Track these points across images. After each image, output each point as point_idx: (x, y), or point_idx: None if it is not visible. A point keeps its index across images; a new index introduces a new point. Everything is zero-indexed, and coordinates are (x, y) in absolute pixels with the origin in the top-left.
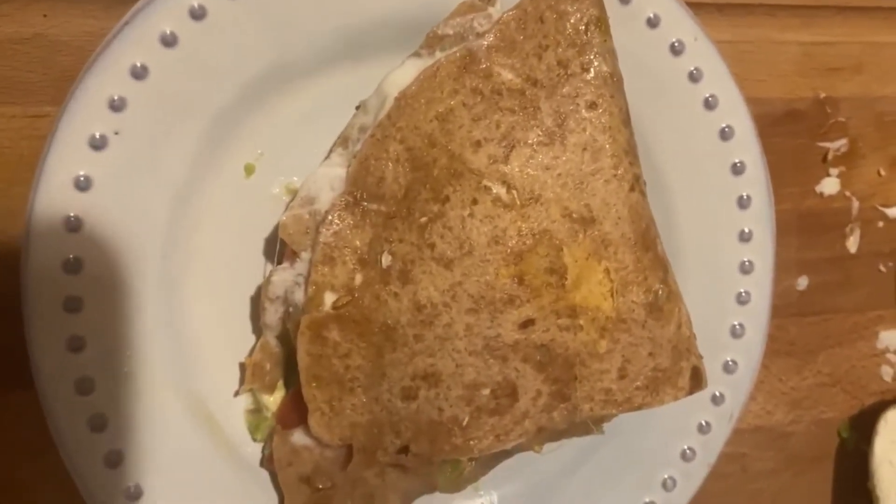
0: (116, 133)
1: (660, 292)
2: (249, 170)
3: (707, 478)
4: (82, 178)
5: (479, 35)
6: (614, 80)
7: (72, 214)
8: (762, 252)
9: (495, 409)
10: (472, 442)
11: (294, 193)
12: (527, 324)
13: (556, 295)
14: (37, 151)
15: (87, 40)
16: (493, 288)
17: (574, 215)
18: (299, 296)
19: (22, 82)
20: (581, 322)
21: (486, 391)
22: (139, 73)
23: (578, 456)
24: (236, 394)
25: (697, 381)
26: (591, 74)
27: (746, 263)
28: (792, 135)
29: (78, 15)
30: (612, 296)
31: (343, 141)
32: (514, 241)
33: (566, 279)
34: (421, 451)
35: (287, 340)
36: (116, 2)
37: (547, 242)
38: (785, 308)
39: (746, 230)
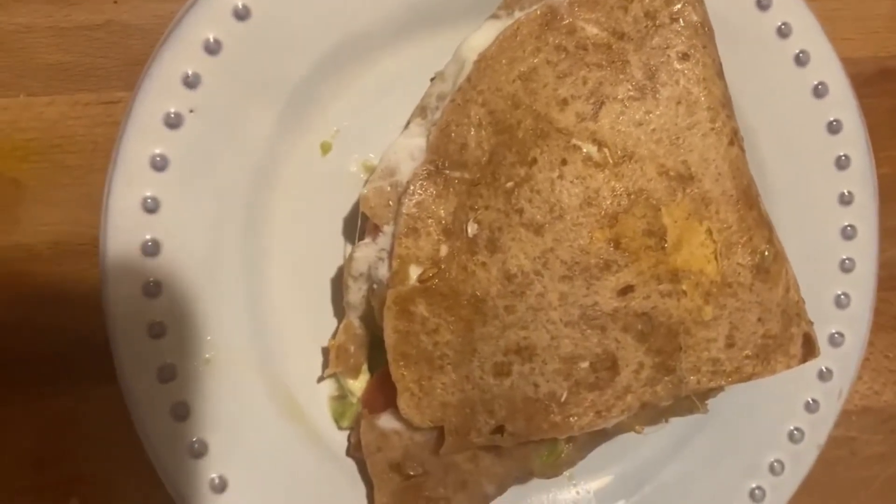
0: (191, 111)
1: (766, 253)
2: (326, 148)
3: (814, 464)
4: (158, 158)
5: None
6: (706, 30)
7: (149, 195)
8: (865, 215)
9: (595, 383)
10: (571, 419)
11: (372, 170)
12: (626, 290)
13: (656, 258)
14: (111, 138)
15: (158, 23)
16: (588, 253)
17: (671, 173)
18: (383, 271)
19: (95, 69)
20: (684, 287)
21: (585, 364)
22: (212, 48)
23: (678, 441)
24: (320, 379)
25: (810, 348)
26: (682, 24)
27: (848, 228)
28: (886, 94)
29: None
30: (715, 258)
31: (421, 111)
32: (608, 203)
33: (666, 241)
34: (517, 431)
35: (371, 322)
36: None
37: (643, 202)
38: (889, 280)
39: (846, 192)
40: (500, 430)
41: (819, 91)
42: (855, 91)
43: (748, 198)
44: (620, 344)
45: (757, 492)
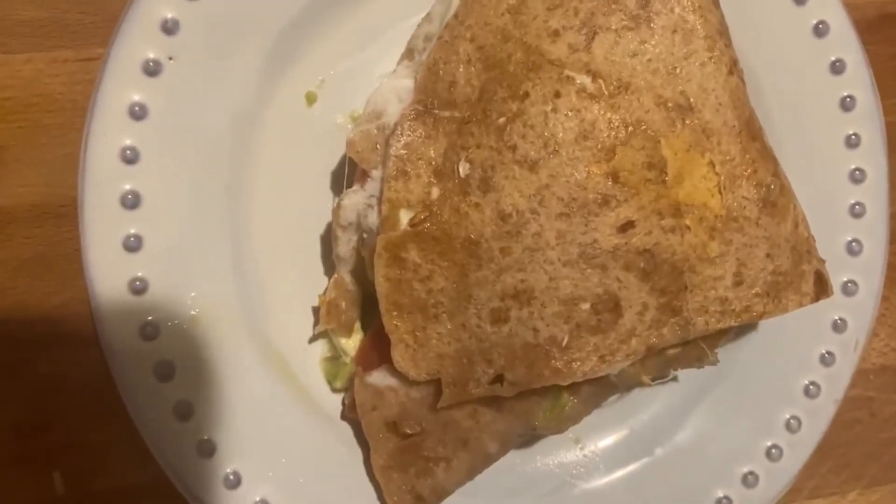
0: (171, 59)
1: (772, 186)
2: (311, 98)
3: (831, 425)
4: (137, 107)
5: None
6: None
7: (128, 145)
8: (873, 158)
9: (597, 325)
10: (574, 364)
11: None
12: (626, 227)
13: (657, 192)
14: (90, 96)
15: None
16: (585, 188)
17: (669, 104)
18: (373, 219)
19: (72, 24)
20: (687, 222)
21: (586, 306)
22: None
23: (689, 399)
24: (312, 339)
25: (823, 286)
26: None
27: (857, 172)
28: (888, 41)
29: None
30: (719, 191)
31: (408, 53)
32: (604, 135)
33: (666, 174)
34: (517, 379)
35: (363, 278)
36: None
37: (641, 134)
38: None
39: (853, 134)
40: (499, 379)
41: (820, 30)
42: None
43: (751, 129)
44: (622, 283)
45: (774, 451)
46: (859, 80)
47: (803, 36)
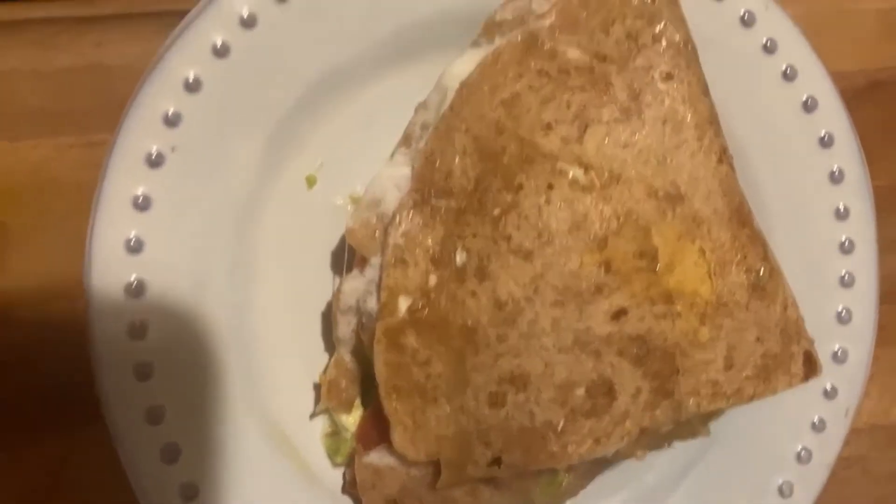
0: (173, 149)
1: (761, 271)
2: (311, 181)
3: (825, 486)
4: (141, 198)
5: (540, 16)
6: (689, 49)
7: (132, 236)
8: (862, 229)
9: (592, 409)
10: (569, 448)
11: (358, 202)
12: (619, 314)
13: (649, 280)
14: (95, 180)
15: (142, 64)
16: (579, 277)
17: (660, 193)
18: (372, 304)
19: (78, 112)
20: (678, 308)
21: (581, 391)
22: (192, 86)
23: (683, 466)
24: (313, 416)
25: (812, 366)
26: (664, 44)
27: (846, 243)
28: (878, 106)
29: (131, 41)
30: (710, 278)
31: (405, 140)
32: (597, 226)
33: (658, 262)
34: (514, 462)
35: (362, 356)
36: (168, 24)
37: (633, 224)
38: (893, 293)
39: (842, 207)
40: (497, 461)
41: (808, 106)
42: (846, 104)
43: (740, 215)
44: (616, 369)
45: None
46: (848, 152)
47: (793, 112)
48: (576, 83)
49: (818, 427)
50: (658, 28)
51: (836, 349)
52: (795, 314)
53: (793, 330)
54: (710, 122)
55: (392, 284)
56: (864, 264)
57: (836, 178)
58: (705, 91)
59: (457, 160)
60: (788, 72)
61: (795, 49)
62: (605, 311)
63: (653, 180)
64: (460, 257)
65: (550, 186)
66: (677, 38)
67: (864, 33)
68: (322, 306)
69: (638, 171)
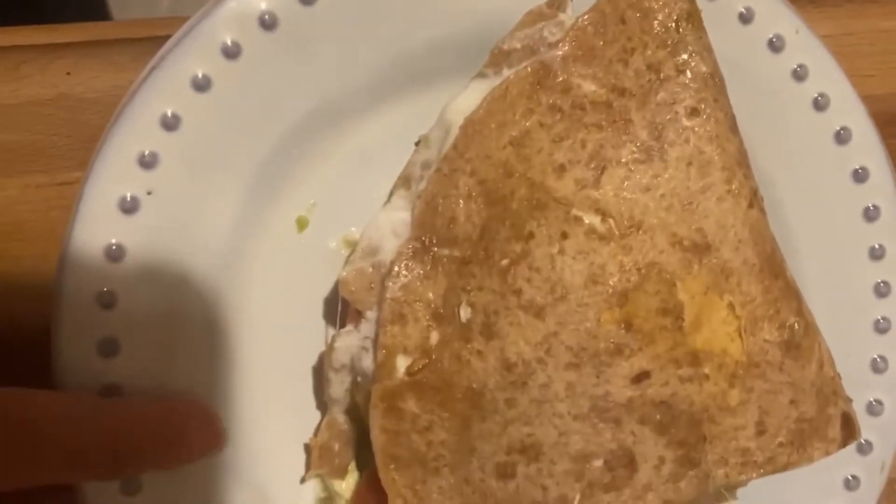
0: (149, 193)
1: (796, 326)
2: (302, 223)
3: None
4: (114, 248)
5: (552, 45)
6: (716, 82)
7: (105, 289)
8: None
9: (611, 483)
10: None
11: (353, 246)
12: (641, 377)
13: (673, 340)
14: (67, 222)
15: (116, 96)
16: (596, 337)
17: (685, 242)
18: (368, 362)
19: (47, 147)
20: (706, 370)
21: (599, 462)
22: (170, 124)
23: None
24: (303, 480)
25: (850, 430)
26: (689, 76)
27: (882, 285)
28: None
29: (104, 70)
30: (739, 336)
31: (404, 181)
32: (615, 279)
33: (683, 320)
34: None
35: (356, 415)
36: (145, 52)
37: (656, 277)
38: None
39: (877, 246)
40: None
41: (841, 137)
42: (879, 131)
43: (773, 265)
44: (637, 438)
45: None
46: (883, 187)
47: (825, 143)
48: (592, 120)
49: (852, 484)
50: (682, 58)
51: (870, 400)
52: (832, 372)
53: (829, 390)
54: (740, 162)
55: (389, 343)
56: None
57: (871, 215)
58: (733, 128)
59: (461, 205)
60: (820, 100)
61: (827, 75)
62: (625, 375)
63: (677, 228)
64: (465, 313)
65: (564, 235)
66: (703, 69)
67: None
68: (313, 360)
69: (660, 219)
